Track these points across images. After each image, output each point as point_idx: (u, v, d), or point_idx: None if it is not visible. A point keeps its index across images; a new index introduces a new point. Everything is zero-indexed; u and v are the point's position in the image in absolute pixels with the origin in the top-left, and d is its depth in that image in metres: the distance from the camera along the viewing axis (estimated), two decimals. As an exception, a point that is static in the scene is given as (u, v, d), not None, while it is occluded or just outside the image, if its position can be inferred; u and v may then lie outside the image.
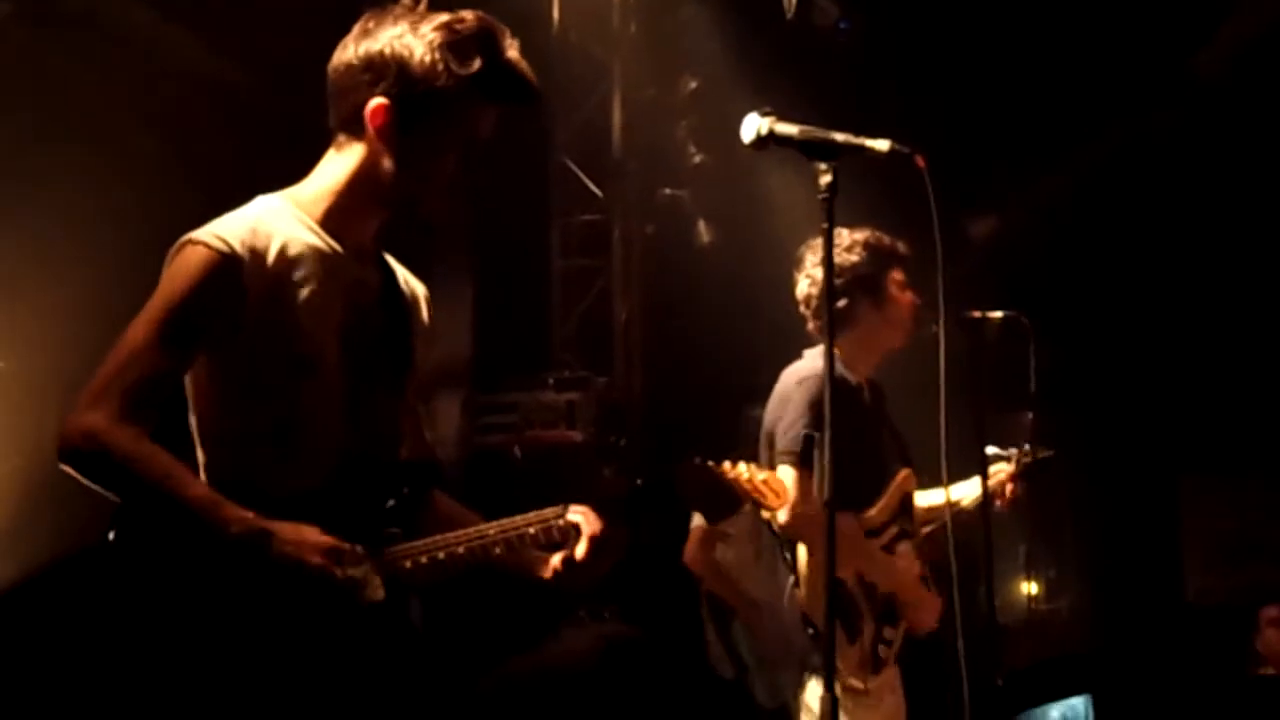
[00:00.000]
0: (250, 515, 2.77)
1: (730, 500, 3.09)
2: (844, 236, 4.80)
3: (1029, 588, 8.82)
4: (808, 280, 4.83)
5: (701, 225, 8.21)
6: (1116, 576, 9.20)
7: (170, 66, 5.98)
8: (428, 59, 2.94)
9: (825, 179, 3.12)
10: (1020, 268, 8.13)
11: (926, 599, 4.72)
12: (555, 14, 7.93)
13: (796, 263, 4.87)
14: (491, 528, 2.98)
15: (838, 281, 4.64)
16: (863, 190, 3.68)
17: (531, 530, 2.99)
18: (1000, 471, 5.08)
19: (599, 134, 8.18)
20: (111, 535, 2.80)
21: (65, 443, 2.81)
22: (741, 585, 6.00)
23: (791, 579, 4.51)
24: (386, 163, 3.00)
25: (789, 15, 7.33)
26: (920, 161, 3.14)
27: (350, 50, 3.01)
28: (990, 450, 5.07)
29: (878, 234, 4.88)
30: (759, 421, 6.30)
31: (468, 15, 3.00)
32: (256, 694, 2.73)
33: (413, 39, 2.95)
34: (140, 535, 2.79)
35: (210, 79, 6.10)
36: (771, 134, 3.17)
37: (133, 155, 5.66)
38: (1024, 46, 7.86)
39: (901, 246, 4.89)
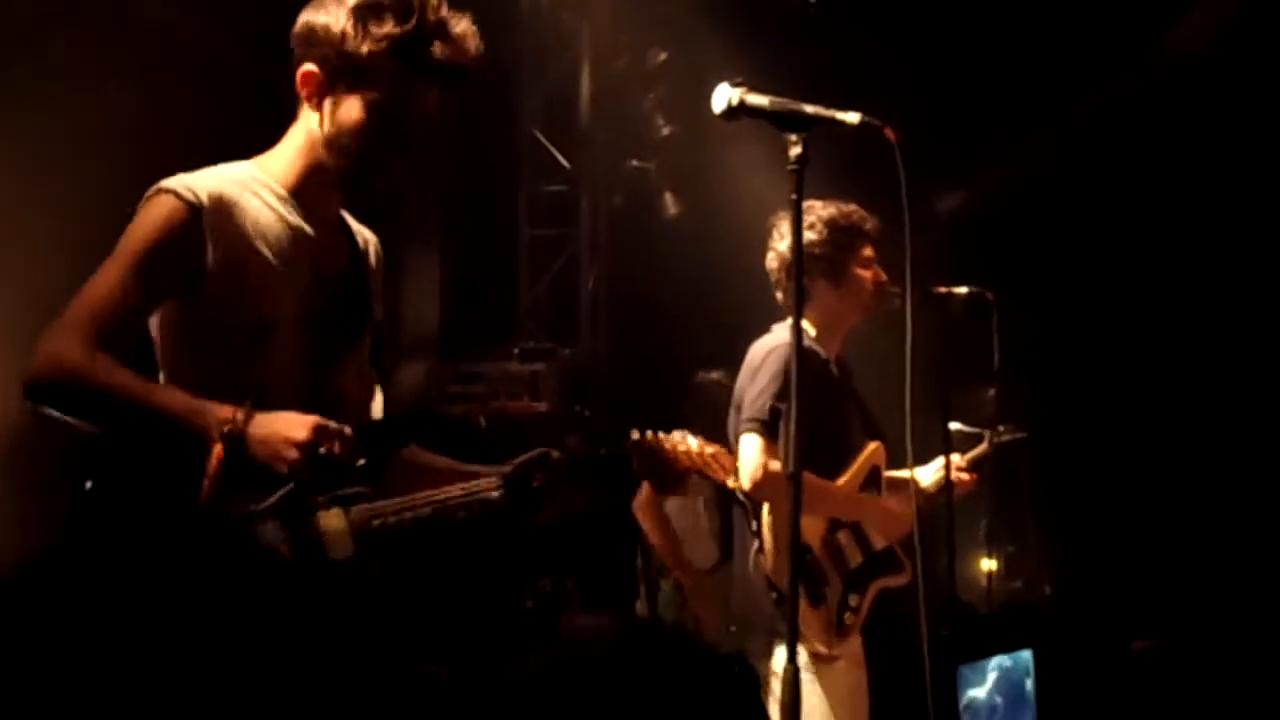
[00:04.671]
0: (231, 412, 2.80)
1: (679, 473, 3.17)
2: (809, 212, 4.79)
3: (989, 564, 8.86)
4: (772, 254, 4.85)
5: (668, 197, 8.21)
6: (1077, 553, 9.25)
7: (143, 19, 5.94)
8: (342, 26, 2.99)
9: (795, 150, 3.12)
10: (986, 243, 8.16)
11: (897, 513, 4.76)
12: (526, -18, 7.91)
13: (767, 232, 4.89)
14: (456, 489, 3.03)
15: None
16: (831, 164, 3.69)
17: (494, 494, 3.04)
18: (969, 454, 5.11)
19: (567, 104, 8.17)
20: (89, 484, 2.80)
21: (36, 376, 2.83)
22: (683, 548, 6.04)
23: (756, 544, 4.53)
24: (318, 129, 3.05)
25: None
26: (890, 134, 3.14)
27: (298, 20, 3.06)
28: (954, 426, 5.09)
29: (846, 209, 4.87)
30: (708, 386, 6.35)
31: None
32: (226, 645, 2.75)
33: (335, 7, 3.01)
34: (118, 484, 2.80)
35: (183, 32, 6.05)
36: (742, 105, 3.16)
37: (105, 107, 5.62)
38: (994, 21, 7.87)
39: (871, 222, 4.88)
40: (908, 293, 3.50)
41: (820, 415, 3.96)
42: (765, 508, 4.51)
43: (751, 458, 4.47)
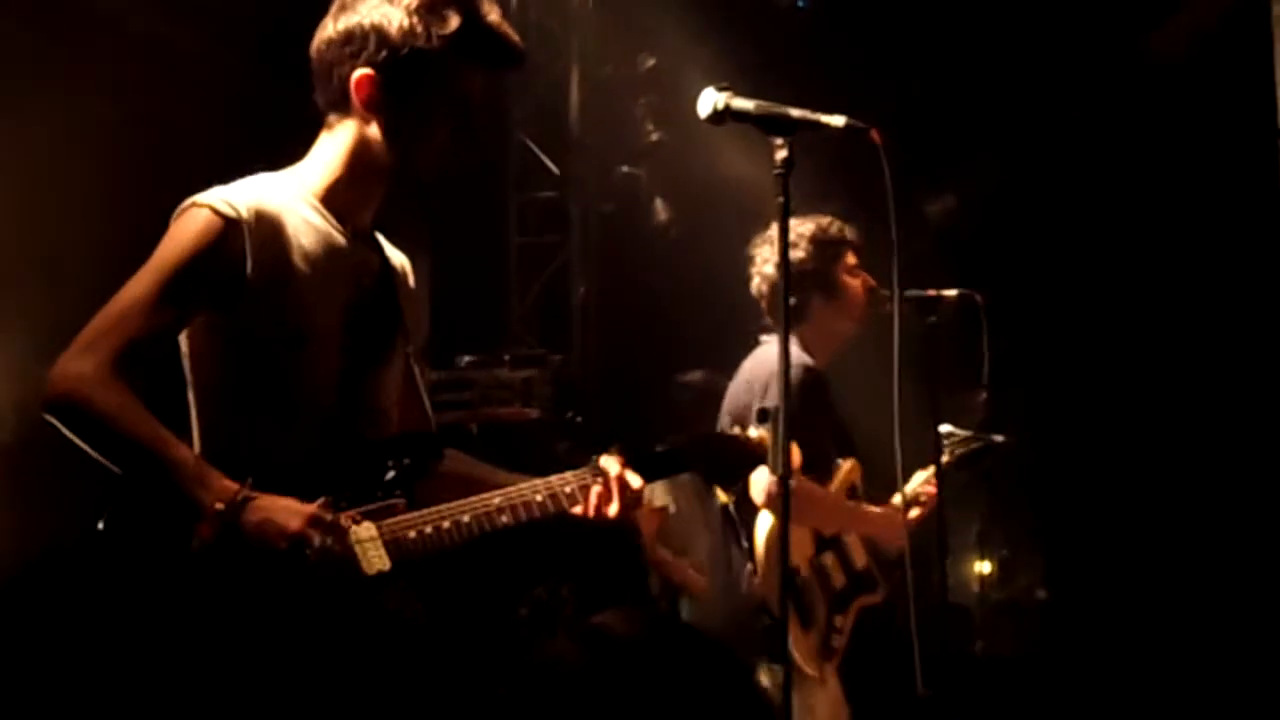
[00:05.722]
0: (232, 485, 2.76)
1: (744, 467, 3.16)
2: (790, 232, 4.81)
3: (981, 568, 8.85)
4: (758, 277, 4.88)
5: (659, 203, 8.21)
6: (1070, 557, 9.24)
7: (126, 30, 5.93)
8: (406, 23, 2.95)
9: (781, 154, 3.13)
10: (975, 246, 8.16)
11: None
12: (514, -10, 7.91)
13: (748, 260, 4.91)
14: (495, 496, 3.00)
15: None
16: (818, 168, 3.69)
17: (539, 498, 3.03)
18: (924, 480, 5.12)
19: (557, 111, 8.17)
20: (101, 524, 2.78)
21: (51, 393, 2.78)
22: (686, 559, 6.03)
23: (749, 566, 4.53)
24: (377, 134, 3.01)
25: (747, -7, 7.34)
26: (876, 137, 3.15)
27: (330, 27, 3.02)
28: (944, 429, 5.09)
29: (823, 222, 4.90)
30: (688, 387, 6.36)
31: None
32: (255, 679, 2.73)
33: (389, 8, 2.97)
34: (130, 524, 2.78)
35: (166, 44, 6.04)
36: (728, 109, 3.18)
37: (91, 123, 5.61)
38: (981, 25, 7.88)
39: (849, 231, 4.91)
40: (895, 296, 3.52)
41: (809, 431, 3.97)
42: (759, 526, 4.51)
43: (766, 472, 4.48)
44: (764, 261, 4.87)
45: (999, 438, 5.27)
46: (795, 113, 3.15)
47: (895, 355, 3.44)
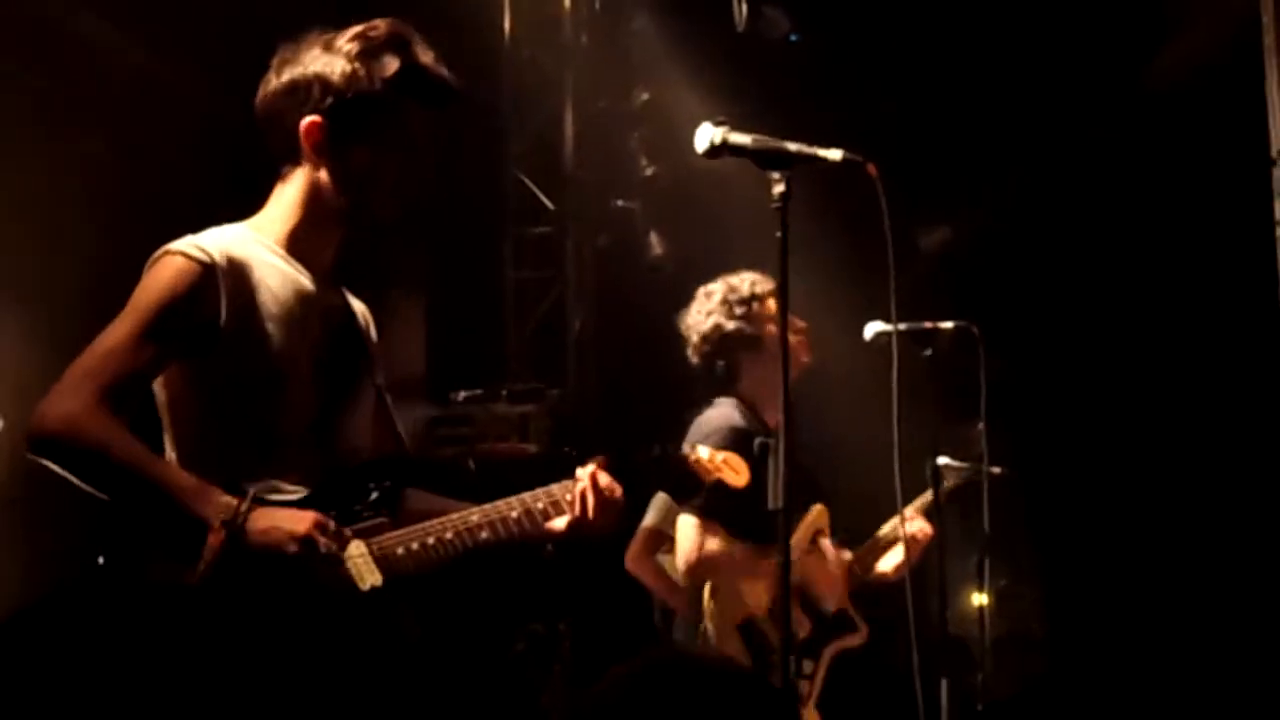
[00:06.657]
0: (234, 498, 2.82)
1: (693, 484, 3.19)
2: (708, 299, 4.86)
3: (980, 599, 8.82)
4: (689, 349, 4.91)
5: (654, 237, 8.21)
6: (1070, 588, 9.23)
7: (118, 70, 5.94)
8: (347, 69, 3.04)
9: (779, 188, 3.14)
10: (971, 278, 8.16)
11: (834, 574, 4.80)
12: (507, 26, 7.93)
13: (685, 332, 4.95)
14: (474, 513, 3.06)
15: (707, 348, 4.78)
16: (814, 202, 3.70)
17: (514, 514, 3.07)
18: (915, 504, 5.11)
19: (551, 146, 8.17)
20: (101, 559, 2.80)
21: (38, 431, 2.82)
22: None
23: (702, 626, 4.55)
24: (327, 178, 3.08)
25: (740, 28, 7.35)
26: (872, 170, 3.16)
27: (273, 81, 3.11)
28: (941, 461, 5.09)
29: (732, 282, 4.93)
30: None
31: (379, 23, 3.11)
32: (256, 702, 2.75)
33: (330, 56, 3.06)
34: (132, 558, 2.81)
35: (164, 84, 6.05)
36: (725, 143, 3.19)
37: (81, 158, 5.61)
38: (975, 58, 7.90)
39: (762, 283, 4.92)
40: (894, 329, 3.52)
41: (760, 489, 3.98)
42: (706, 590, 4.53)
43: (687, 539, 4.51)
44: (687, 329, 4.93)
45: (997, 470, 5.27)
46: (792, 147, 3.17)
47: (894, 388, 3.44)
